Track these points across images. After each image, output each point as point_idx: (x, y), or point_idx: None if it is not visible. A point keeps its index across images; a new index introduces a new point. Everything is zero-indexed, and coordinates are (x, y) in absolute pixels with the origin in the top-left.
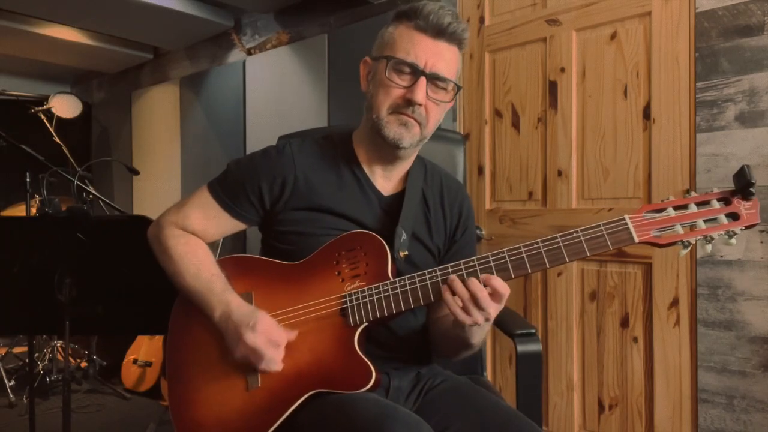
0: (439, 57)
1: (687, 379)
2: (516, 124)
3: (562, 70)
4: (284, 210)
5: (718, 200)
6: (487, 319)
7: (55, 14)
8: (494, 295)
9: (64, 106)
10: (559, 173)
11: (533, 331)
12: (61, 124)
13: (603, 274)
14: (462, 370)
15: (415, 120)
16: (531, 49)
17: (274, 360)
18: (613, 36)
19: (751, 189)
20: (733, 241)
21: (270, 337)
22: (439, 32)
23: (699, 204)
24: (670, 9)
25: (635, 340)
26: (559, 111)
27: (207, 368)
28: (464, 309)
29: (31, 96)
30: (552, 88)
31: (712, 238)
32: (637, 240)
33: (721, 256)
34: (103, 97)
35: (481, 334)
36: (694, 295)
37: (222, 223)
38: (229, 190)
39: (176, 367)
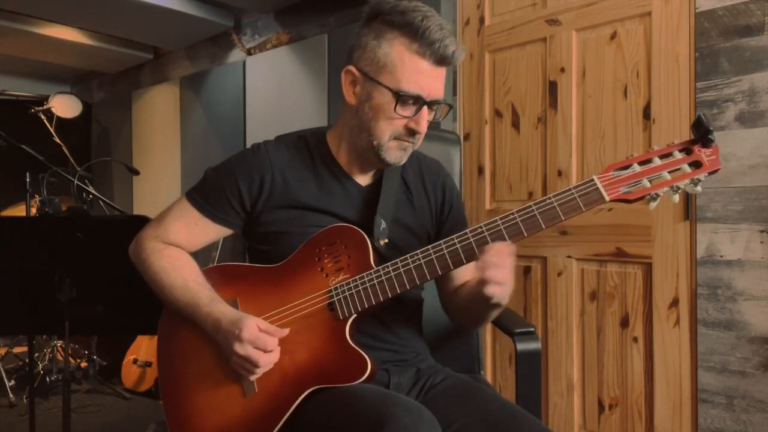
0: (438, 82)
1: (687, 379)
2: (516, 124)
3: (562, 70)
4: (264, 210)
5: (680, 151)
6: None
7: (55, 14)
8: (501, 255)
9: (64, 106)
10: (559, 173)
11: (532, 329)
12: (61, 124)
13: (603, 274)
14: (460, 368)
15: (414, 143)
16: (531, 49)
17: (268, 365)
18: (613, 36)
19: (710, 136)
20: (699, 188)
21: (257, 344)
22: (443, 61)
23: (662, 156)
24: (670, 9)
25: (635, 340)
26: (559, 111)
27: (201, 378)
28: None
29: (31, 96)
30: (552, 88)
31: (679, 188)
32: (607, 198)
33: (721, 257)
34: (103, 97)
35: (509, 292)
36: (694, 295)
37: (205, 231)
38: (208, 195)
39: (169, 380)
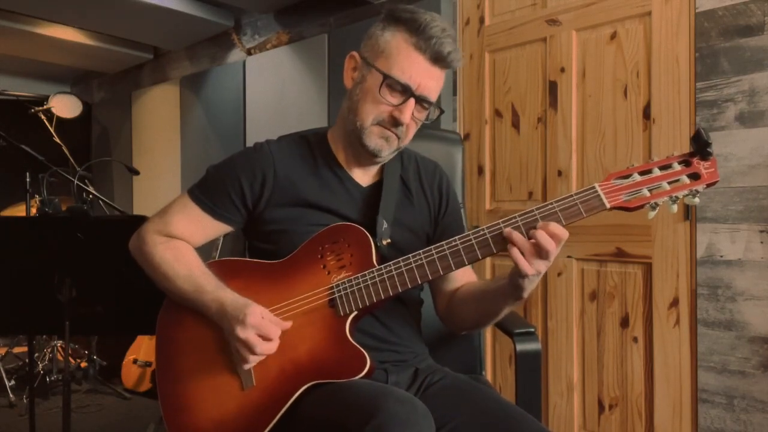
0: (431, 80)
1: (687, 379)
2: (516, 124)
3: (562, 70)
4: (267, 208)
5: (679, 162)
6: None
7: (55, 14)
8: (554, 237)
9: (64, 106)
10: (559, 173)
11: (532, 330)
12: (61, 124)
13: (603, 274)
14: (461, 369)
15: (396, 135)
16: (531, 49)
17: (265, 353)
18: (613, 36)
19: (709, 149)
20: (696, 200)
21: (260, 331)
22: (438, 59)
23: (662, 167)
24: (670, 9)
25: (635, 340)
26: (559, 111)
27: (199, 372)
28: (528, 259)
29: (31, 96)
30: (552, 88)
31: (678, 198)
32: (608, 206)
33: (721, 256)
34: (103, 97)
35: (534, 285)
36: (694, 295)
37: (205, 227)
38: (209, 192)
39: (167, 374)
